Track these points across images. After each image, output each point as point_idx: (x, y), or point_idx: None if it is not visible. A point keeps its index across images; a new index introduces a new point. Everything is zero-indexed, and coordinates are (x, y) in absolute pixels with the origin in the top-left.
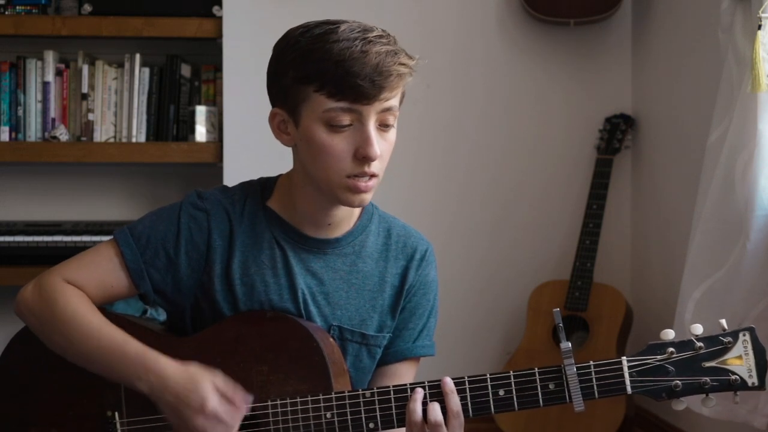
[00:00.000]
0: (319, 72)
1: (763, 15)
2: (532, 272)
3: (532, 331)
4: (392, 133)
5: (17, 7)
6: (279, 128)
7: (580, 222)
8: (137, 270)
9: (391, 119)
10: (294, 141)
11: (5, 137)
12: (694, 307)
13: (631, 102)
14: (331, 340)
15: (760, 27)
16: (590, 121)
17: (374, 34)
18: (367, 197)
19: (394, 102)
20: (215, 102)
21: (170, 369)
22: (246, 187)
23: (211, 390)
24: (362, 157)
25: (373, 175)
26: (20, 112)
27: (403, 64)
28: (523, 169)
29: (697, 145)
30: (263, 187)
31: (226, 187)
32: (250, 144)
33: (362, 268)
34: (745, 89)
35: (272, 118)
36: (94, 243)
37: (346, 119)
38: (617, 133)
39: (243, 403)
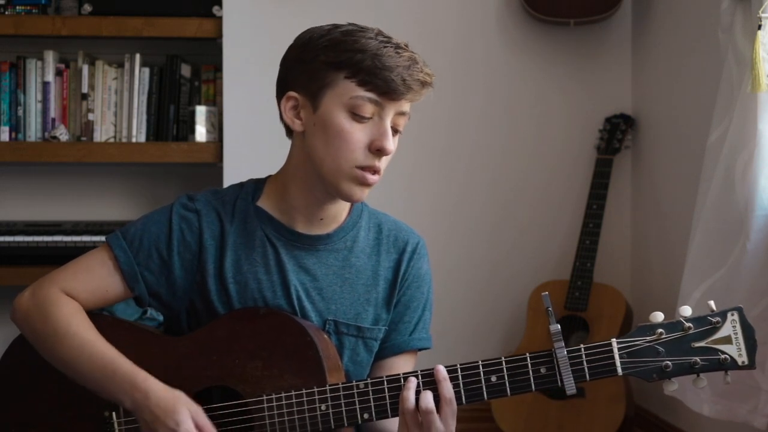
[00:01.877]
0: (354, 59)
1: (763, 15)
2: (532, 272)
3: (532, 331)
4: (397, 139)
5: (17, 7)
6: (291, 112)
7: (580, 222)
8: (131, 273)
9: (402, 125)
10: (305, 126)
11: (5, 137)
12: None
13: (631, 102)
14: (325, 336)
15: (760, 27)
16: (590, 121)
17: (402, 42)
18: (366, 192)
19: (409, 108)
20: (215, 102)
21: (155, 389)
22: (236, 188)
23: (188, 416)
24: (376, 149)
25: (377, 171)
26: (20, 112)
27: (428, 75)
28: (523, 169)
29: (697, 145)
30: (253, 187)
31: (216, 189)
32: (250, 144)
33: (355, 263)
34: (745, 89)
35: (286, 101)
36: (94, 243)
37: (369, 110)
38: (617, 133)
39: None
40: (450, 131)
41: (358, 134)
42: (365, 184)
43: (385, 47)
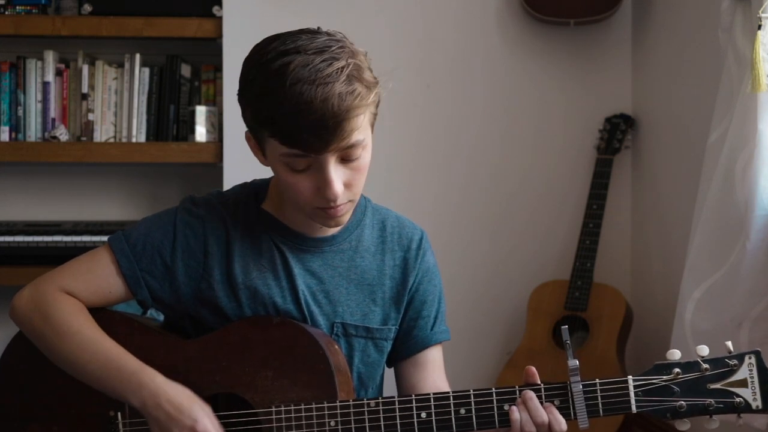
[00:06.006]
0: (270, 120)
1: (763, 15)
2: (532, 272)
3: (532, 331)
4: (362, 159)
5: (17, 7)
6: (254, 149)
7: (580, 222)
8: (133, 278)
9: (357, 152)
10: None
11: (5, 137)
12: (694, 307)
13: (631, 102)
14: (337, 347)
15: (760, 27)
16: (590, 121)
17: (329, 70)
18: (344, 219)
19: (355, 138)
20: (215, 102)
21: (165, 387)
22: (240, 190)
23: (204, 414)
24: (323, 197)
25: (340, 205)
26: (20, 112)
27: (357, 105)
28: (523, 169)
29: (697, 145)
30: (257, 189)
31: (220, 191)
32: None
33: (360, 263)
34: (745, 89)
35: (247, 138)
36: (94, 243)
37: (302, 164)
38: (617, 133)
39: None
40: (450, 131)
41: (303, 183)
42: (334, 216)
43: (300, 96)
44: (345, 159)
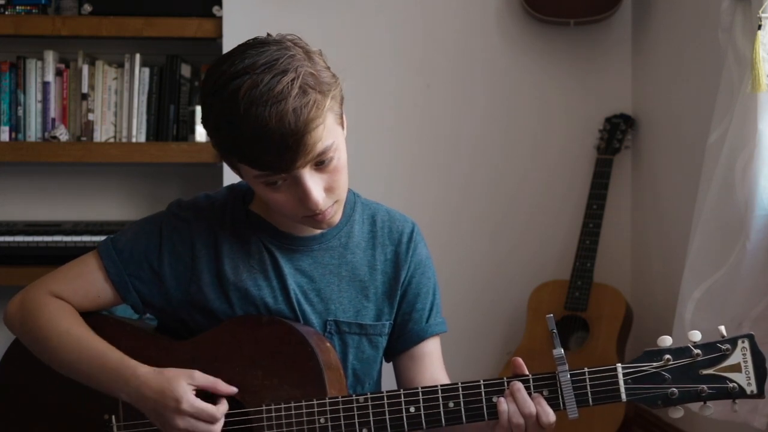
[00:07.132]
0: (233, 148)
1: (763, 15)
2: (532, 272)
3: (532, 331)
4: (336, 160)
5: (17, 7)
6: (232, 168)
7: (580, 222)
8: (122, 283)
9: (329, 155)
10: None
11: (5, 137)
12: (694, 307)
13: (631, 102)
14: (328, 344)
15: (760, 27)
16: (590, 121)
17: (279, 87)
18: (335, 219)
19: (322, 147)
20: None
21: (146, 376)
22: (227, 192)
23: (186, 388)
24: (306, 207)
25: (329, 207)
26: (20, 112)
27: (315, 116)
28: (523, 169)
29: (697, 145)
30: (245, 190)
31: (208, 193)
32: None
33: (351, 260)
34: (745, 89)
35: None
36: (94, 243)
37: (276, 179)
38: (617, 133)
39: (225, 392)
40: (450, 131)
41: (283, 198)
42: (322, 221)
43: (253, 124)
44: (319, 164)
